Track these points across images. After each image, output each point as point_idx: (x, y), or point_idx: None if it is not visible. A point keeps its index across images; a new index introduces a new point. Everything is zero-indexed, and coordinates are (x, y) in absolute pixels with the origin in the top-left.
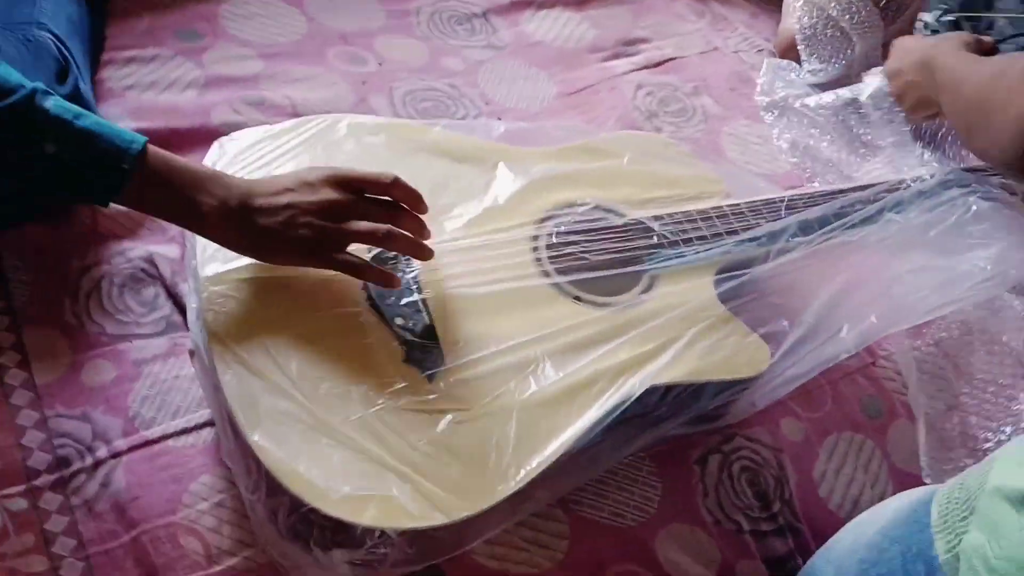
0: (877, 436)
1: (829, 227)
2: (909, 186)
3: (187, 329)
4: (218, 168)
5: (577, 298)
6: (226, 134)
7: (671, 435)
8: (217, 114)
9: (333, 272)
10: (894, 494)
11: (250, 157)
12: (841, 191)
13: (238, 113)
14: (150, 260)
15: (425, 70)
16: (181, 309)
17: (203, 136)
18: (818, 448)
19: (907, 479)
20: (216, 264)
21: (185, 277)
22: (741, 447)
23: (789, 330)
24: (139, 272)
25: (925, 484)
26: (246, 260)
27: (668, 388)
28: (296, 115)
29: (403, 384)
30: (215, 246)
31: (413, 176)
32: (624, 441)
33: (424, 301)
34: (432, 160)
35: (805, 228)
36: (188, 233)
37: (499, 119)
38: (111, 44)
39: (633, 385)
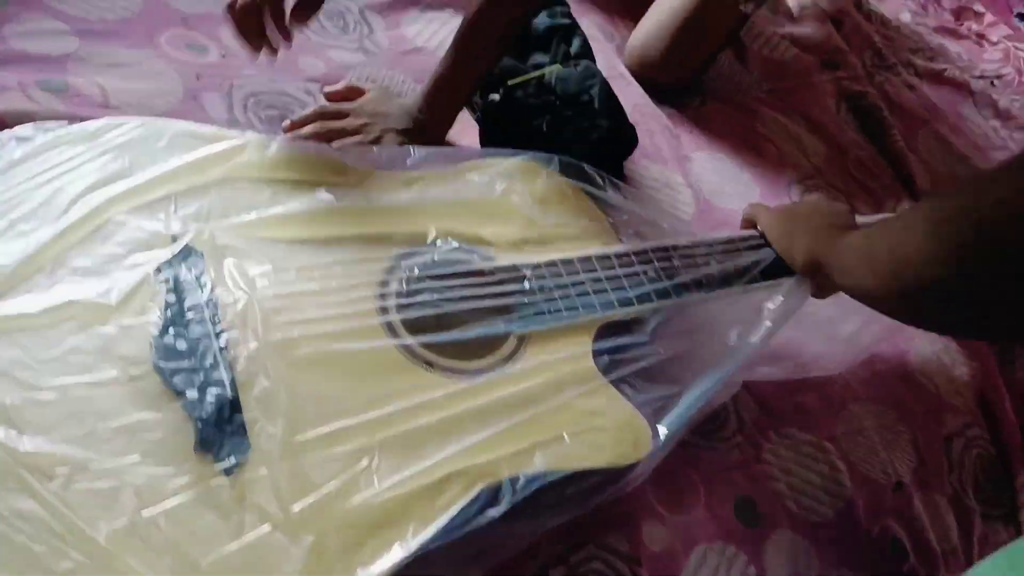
0: (751, 549)
1: (729, 286)
2: None
3: None
4: None
5: (430, 364)
6: (10, 126)
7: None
8: (4, 100)
9: (112, 327)
10: None
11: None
12: (743, 238)
13: (32, 100)
14: None
15: (276, 68)
16: None
17: None
18: (684, 561)
19: None
20: None
21: None
22: (592, 557)
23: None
24: None
25: None
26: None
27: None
28: (107, 107)
29: (189, 479)
30: None
31: (234, 200)
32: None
33: (229, 365)
34: (261, 184)
35: (701, 284)
36: None
37: None
38: None
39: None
